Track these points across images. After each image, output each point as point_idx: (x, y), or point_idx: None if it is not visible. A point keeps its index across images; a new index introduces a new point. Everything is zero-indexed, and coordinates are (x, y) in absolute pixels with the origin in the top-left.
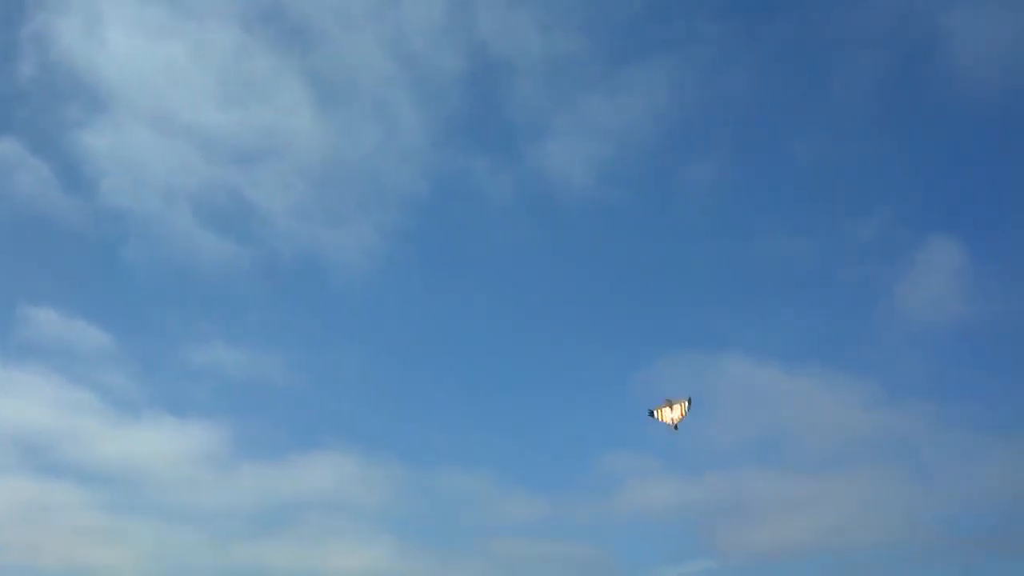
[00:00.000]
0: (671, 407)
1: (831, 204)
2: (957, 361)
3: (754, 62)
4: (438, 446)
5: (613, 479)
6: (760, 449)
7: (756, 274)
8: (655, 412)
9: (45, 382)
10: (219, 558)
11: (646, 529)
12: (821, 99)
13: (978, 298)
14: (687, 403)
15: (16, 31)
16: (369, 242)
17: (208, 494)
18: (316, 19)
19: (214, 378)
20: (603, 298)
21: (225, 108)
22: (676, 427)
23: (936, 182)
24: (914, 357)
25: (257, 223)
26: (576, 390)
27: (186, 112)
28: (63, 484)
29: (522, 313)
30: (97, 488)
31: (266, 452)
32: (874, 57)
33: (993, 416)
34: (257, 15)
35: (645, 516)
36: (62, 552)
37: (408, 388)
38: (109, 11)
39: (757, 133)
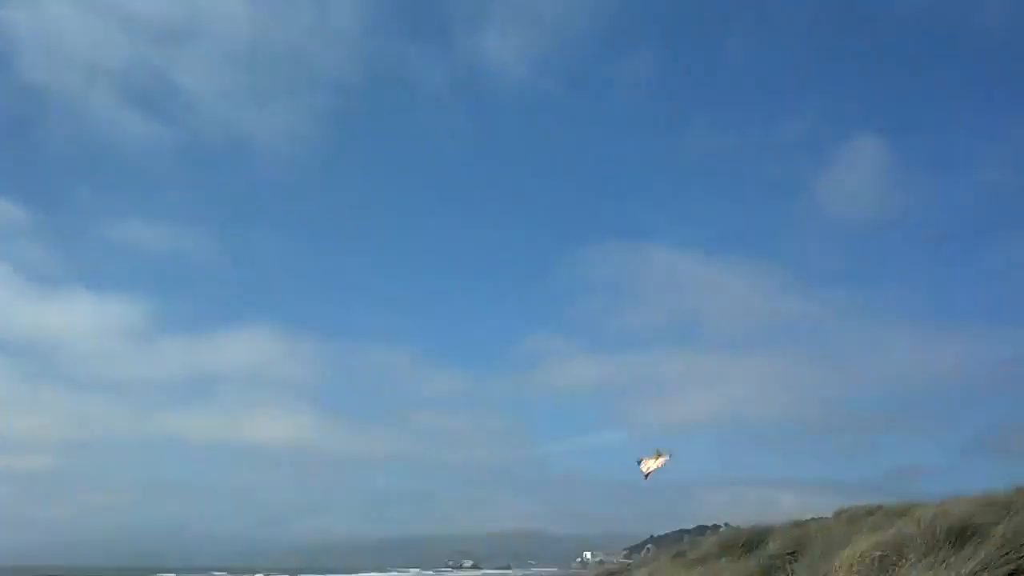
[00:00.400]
0: (657, 457)
1: (761, 101)
2: (869, 253)
3: None
4: (361, 323)
5: (534, 358)
6: (677, 331)
7: (684, 166)
8: (642, 461)
9: None
10: (138, 428)
11: (563, 404)
12: None
13: (895, 195)
14: (669, 457)
15: None
16: (297, 125)
17: (127, 367)
18: None
19: (133, 254)
20: (532, 186)
21: None
22: (647, 476)
23: (865, 83)
24: (829, 248)
25: (182, 104)
26: (502, 274)
27: None
28: None
29: (451, 198)
30: (15, 359)
31: (186, 326)
32: None
33: (899, 304)
34: None
35: (563, 392)
36: None
37: (331, 266)
38: None
39: (692, 28)
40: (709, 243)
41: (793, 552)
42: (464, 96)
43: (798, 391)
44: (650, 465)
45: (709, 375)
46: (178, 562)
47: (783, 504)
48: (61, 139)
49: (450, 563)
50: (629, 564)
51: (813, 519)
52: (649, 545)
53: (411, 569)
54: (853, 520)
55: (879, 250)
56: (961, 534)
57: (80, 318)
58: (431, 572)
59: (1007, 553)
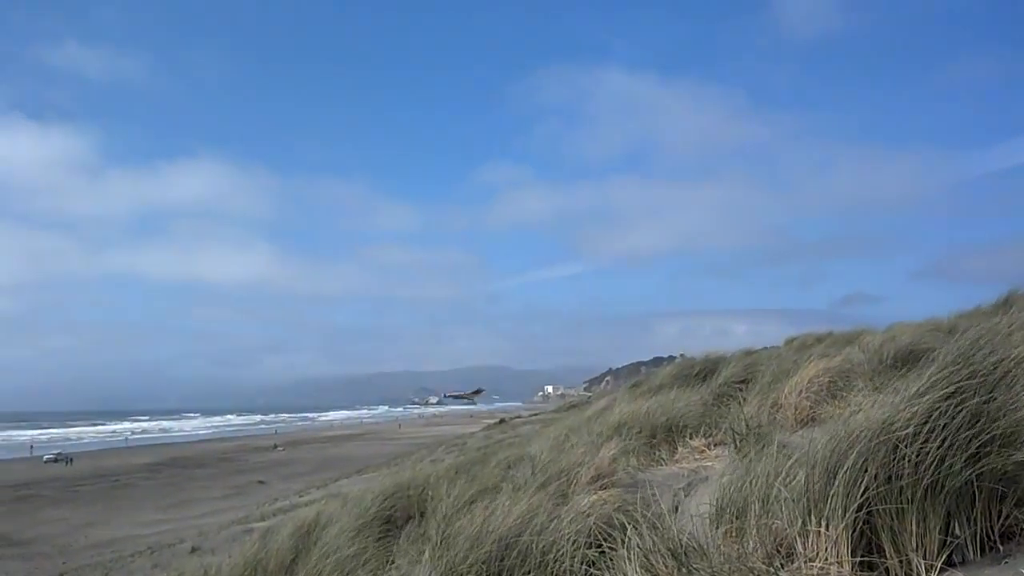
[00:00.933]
0: None
1: None
2: (823, 74)
3: None
4: (312, 155)
5: (488, 189)
6: (631, 158)
7: None
8: None
9: None
10: (93, 266)
11: (519, 237)
12: None
13: (853, 11)
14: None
15: None
16: None
17: (76, 201)
18: None
19: (73, 80)
20: (481, 7)
21: None
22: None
23: None
24: (784, 69)
25: None
26: (454, 101)
27: None
28: None
29: (402, 17)
30: None
31: (135, 159)
32: None
33: (850, 127)
34: None
35: (518, 225)
36: None
37: (280, 93)
38: None
39: None
40: (664, 64)
41: (744, 380)
42: None
43: (750, 220)
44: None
45: (663, 205)
46: (146, 404)
47: (736, 333)
48: None
49: (416, 400)
50: (589, 396)
51: (764, 348)
52: (608, 377)
53: (379, 407)
54: (803, 348)
55: (833, 70)
56: (907, 359)
57: (23, 150)
58: (400, 409)
59: (949, 375)
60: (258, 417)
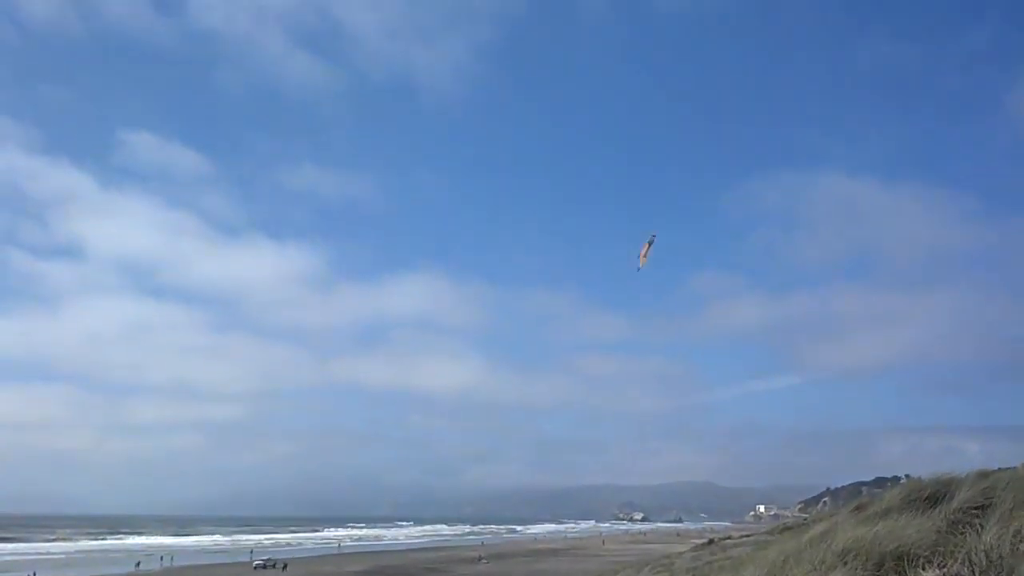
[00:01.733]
0: (648, 247)
1: (940, 7)
2: None
3: None
4: (525, 267)
5: (699, 298)
6: (851, 266)
7: (856, 83)
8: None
9: (145, 205)
10: (318, 374)
11: (731, 347)
12: None
13: None
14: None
15: None
16: (460, 61)
17: (307, 313)
18: None
19: (309, 201)
20: (696, 114)
21: None
22: (640, 267)
23: None
24: (1018, 170)
25: (347, 43)
26: (666, 210)
27: None
28: (166, 305)
29: (614, 132)
30: (199, 308)
31: (361, 273)
32: None
33: None
34: None
35: (730, 334)
36: (167, 370)
37: (495, 210)
38: None
39: None
40: (886, 167)
41: (981, 506)
42: (626, 19)
43: (983, 330)
44: (643, 254)
45: (887, 314)
46: (361, 511)
47: (967, 453)
48: (235, 84)
49: (621, 515)
50: (805, 518)
51: (1001, 469)
52: (825, 498)
53: (585, 521)
54: None
55: None
56: None
57: (263, 266)
58: (607, 525)
59: None
60: (466, 527)
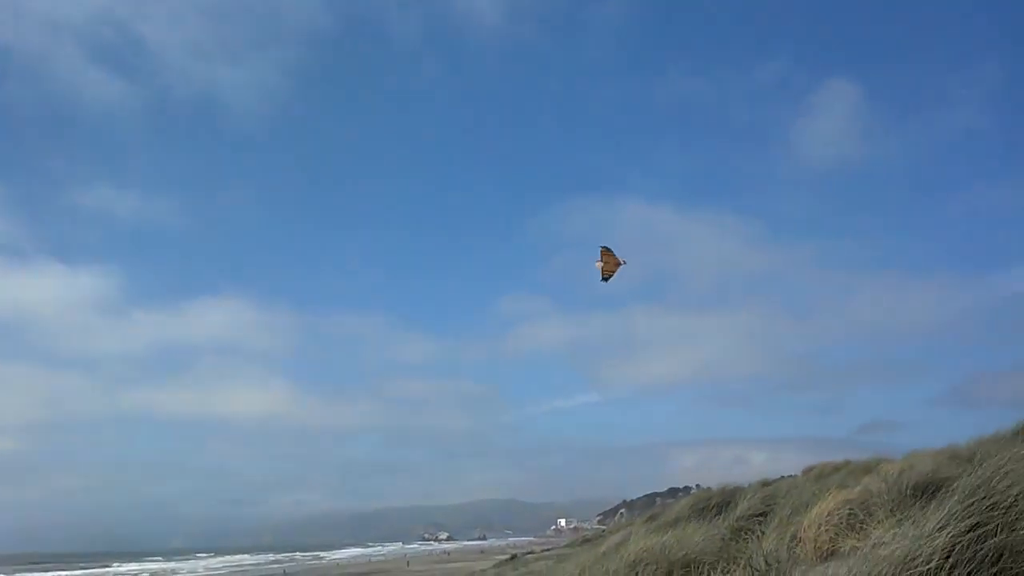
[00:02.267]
0: (609, 259)
1: (734, 45)
2: (841, 201)
3: None
4: (332, 290)
5: (506, 321)
6: (648, 289)
7: (656, 115)
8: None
9: None
10: (108, 405)
11: (535, 367)
12: None
13: (870, 140)
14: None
15: None
16: (267, 81)
17: (98, 340)
18: None
19: (104, 223)
20: (503, 140)
21: None
22: (606, 279)
23: (837, 26)
24: (801, 198)
25: (148, 60)
26: (472, 234)
27: None
28: None
29: (424, 156)
30: None
31: (159, 298)
32: None
33: (869, 253)
34: None
35: (535, 355)
36: None
37: (302, 232)
38: None
39: None
40: (681, 194)
41: (763, 512)
42: (438, 46)
43: (769, 347)
44: (607, 264)
45: (681, 333)
46: (152, 544)
47: (755, 462)
48: (24, 101)
49: (426, 535)
50: (604, 530)
51: (783, 477)
52: (622, 510)
53: (392, 543)
54: (821, 477)
55: (850, 198)
56: (927, 488)
57: (51, 292)
58: (413, 546)
59: (970, 505)
60: (269, 556)
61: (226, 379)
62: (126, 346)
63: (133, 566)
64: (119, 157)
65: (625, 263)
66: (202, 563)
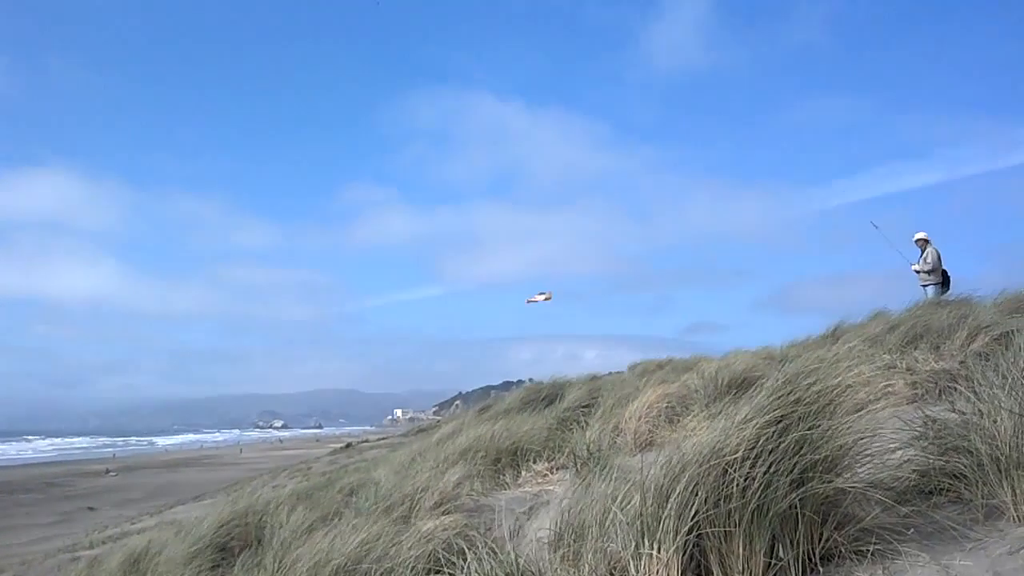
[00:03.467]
0: (541, 295)
1: None
2: (685, 108)
3: None
4: (169, 168)
5: (351, 209)
6: (495, 185)
7: (507, 12)
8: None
9: None
10: None
11: (381, 259)
12: None
13: (714, 50)
14: (550, 296)
15: None
16: None
17: None
18: None
19: None
20: (354, 25)
21: None
22: (529, 302)
23: None
24: (647, 103)
25: None
26: (321, 118)
27: None
28: None
29: (277, 34)
30: None
31: None
32: None
33: (705, 160)
34: None
35: (381, 247)
36: None
37: (139, 103)
38: None
39: None
40: (531, 91)
41: (588, 405)
42: None
43: (608, 248)
44: (536, 298)
45: (525, 231)
46: None
47: (587, 359)
48: None
49: (259, 423)
50: (439, 420)
51: (610, 373)
52: (457, 401)
53: (226, 431)
54: (645, 373)
55: (693, 104)
56: (740, 386)
57: None
58: (238, 431)
59: (776, 399)
60: (94, 439)
61: (51, 256)
62: None
63: None
64: None
65: (550, 298)
66: (31, 445)
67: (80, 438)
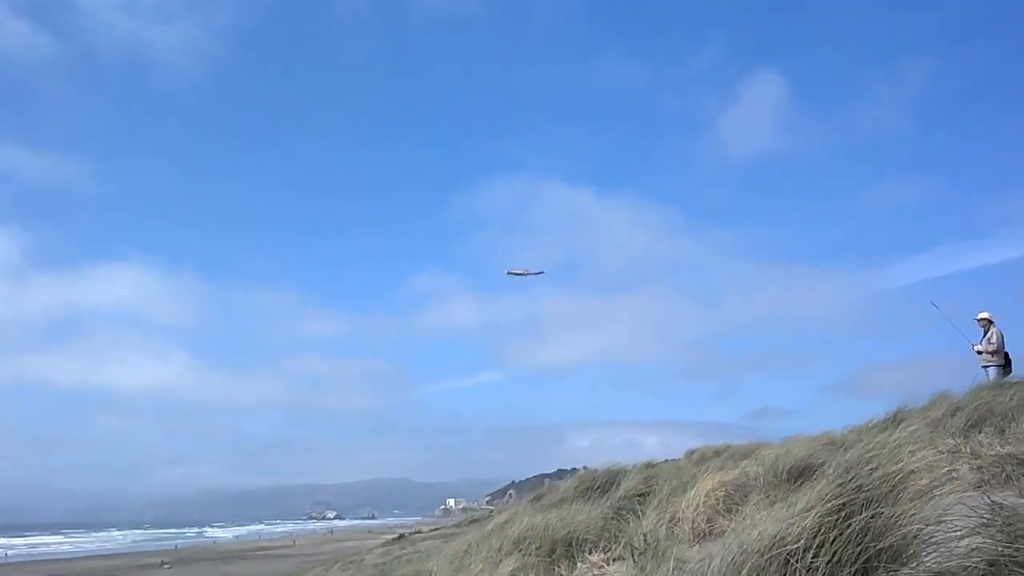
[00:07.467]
0: (525, 272)
1: (671, 30)
2: (757, 192)
3: None
4: (242, 261)
5: (418, 298)
6: (562, 272)
7: (583, 98)
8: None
9: None
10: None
11: (443, 346)
12: None
13: (789, 133)
14: (540, 272)
15: None
16: (198, 42)
17: None
18: None
19: (9, 183)
20: (437, 116)
21: None
22: (508, 273)
23: (769, 15)
24: (719, 187)
25: (76, 15)
26: (395, 207)
27: None
28: None
29: (350, 127)
30: None
31: (60, 263)
32: None
33: (775, 243)
34: None
35: (444, 334)
36: None
37: (217, 200)
38: None
39: None
40: (604, 178)
41: (644, 493)
42: (382, 17)
43: (674, 332)
44: (519, 271)
45: (590, 316)
46: (27, 517)
47: (646, 445)
48: None
49: (313, 513)
50: (492, 510)
51: (666, 460)
52: (511, 491)
53: (280, 522)
54: (702, 460)
55: (766, 188)
56: (800, 473)
57: None
58: (302, 525)
59: (837, 487)
60: (154, 532)
61: (123, 349)
62: (22, 312)
63: (1, 540)
64: (33, 115)
65: (543, 273)
66: (85, 537)
67: (137, 531)
